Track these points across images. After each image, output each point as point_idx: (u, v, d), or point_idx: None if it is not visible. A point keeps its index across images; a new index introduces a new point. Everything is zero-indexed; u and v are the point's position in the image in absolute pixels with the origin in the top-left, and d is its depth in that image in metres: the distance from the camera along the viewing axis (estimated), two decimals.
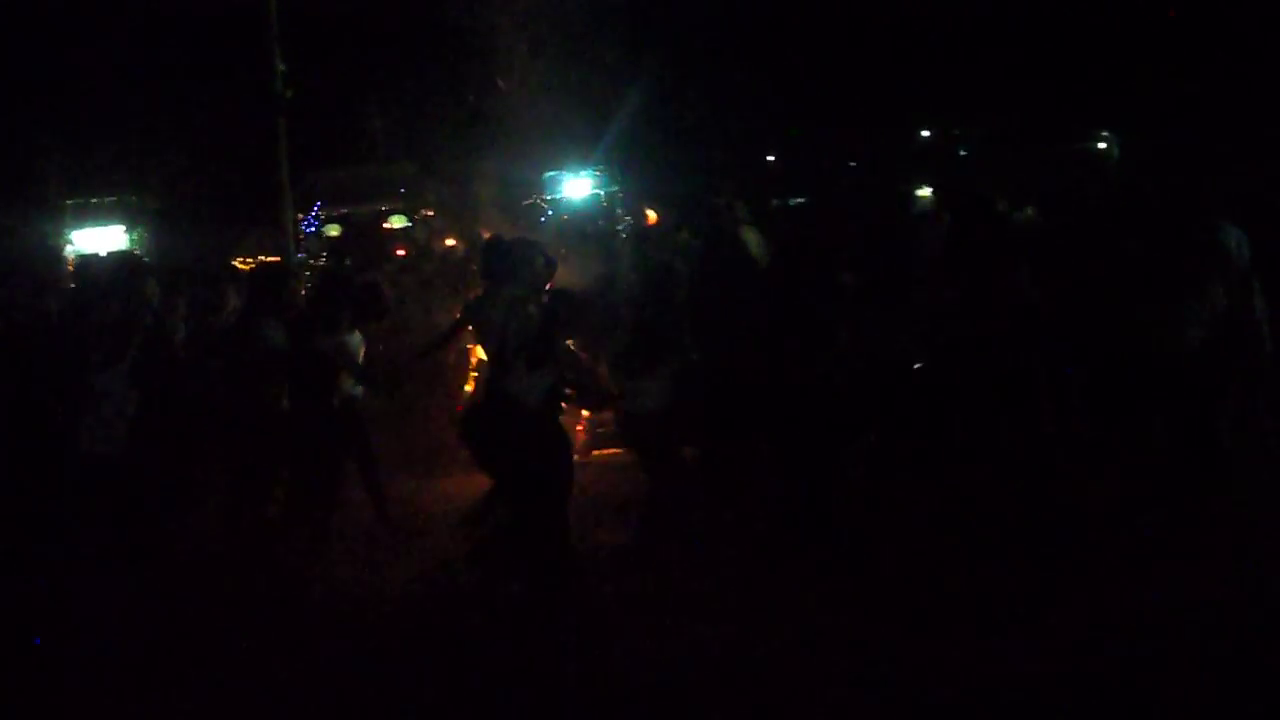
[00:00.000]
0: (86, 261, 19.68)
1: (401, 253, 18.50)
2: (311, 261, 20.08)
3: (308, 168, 23.05)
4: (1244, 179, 10.58)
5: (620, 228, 20.72)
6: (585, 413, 11.53)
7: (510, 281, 8.72)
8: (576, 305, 8.28)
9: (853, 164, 35.01)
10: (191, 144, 23.63)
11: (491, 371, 8.64)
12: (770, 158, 34.26)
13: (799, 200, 31.55)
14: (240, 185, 22.96)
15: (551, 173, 22.00)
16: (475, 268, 11.57)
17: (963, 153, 34.95)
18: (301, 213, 21.67)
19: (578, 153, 23.14)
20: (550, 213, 21.36)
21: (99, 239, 22.68)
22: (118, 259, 12.52)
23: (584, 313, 8.29)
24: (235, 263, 18.26)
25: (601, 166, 23.52)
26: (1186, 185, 8.73)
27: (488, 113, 21.52)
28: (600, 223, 20.92)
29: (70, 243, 22.62)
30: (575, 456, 8.91)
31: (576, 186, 22.09)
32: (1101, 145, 25.90)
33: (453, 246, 17.25)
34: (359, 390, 9.66)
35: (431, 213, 20.85)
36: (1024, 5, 26.50)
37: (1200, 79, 23.34)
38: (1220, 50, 23.08)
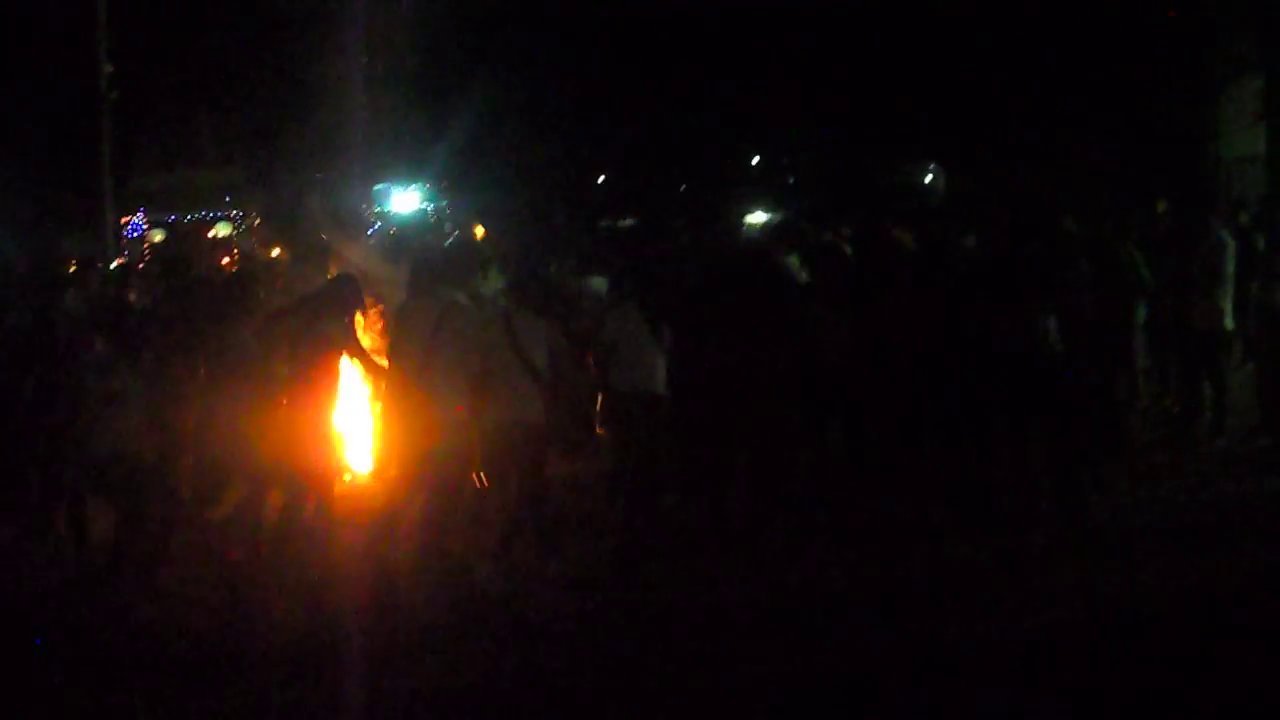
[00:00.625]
0: None
1: (226, 261, 18.46)
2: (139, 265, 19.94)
3: (135, 172, 22.84)
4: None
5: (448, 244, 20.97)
6: None
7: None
8: None
9: (683, 188, 35.71)
10: (13, 145, 23.16)
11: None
12: (600, 178, 34.71)
13: (628, 222, 32.21)
14: (62, 187, 22.56)
15: (380, 185, 22.26)
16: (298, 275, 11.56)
17: (791, 180, 35.97)
18: (126, 216, 21.49)
19: (408, 166, 23.42)
20: (378, 225, 21.54)
21: None
22: None
23: None
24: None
25: (430, 181, 23.81)
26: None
27: (320, 122, 21.64)
28: (428, 237, 21.15)
29: None
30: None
31: (405, 200, 22.36)
32: (928, 177, 27.20)
33: (279, 256, 17.33)
34: None
35: (259, 220, 20.87)
36: (854, 40, 27.41)
37: (1016, 119, 24.59)
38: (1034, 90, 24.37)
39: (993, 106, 25.40)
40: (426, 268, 8.47)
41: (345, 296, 8.09)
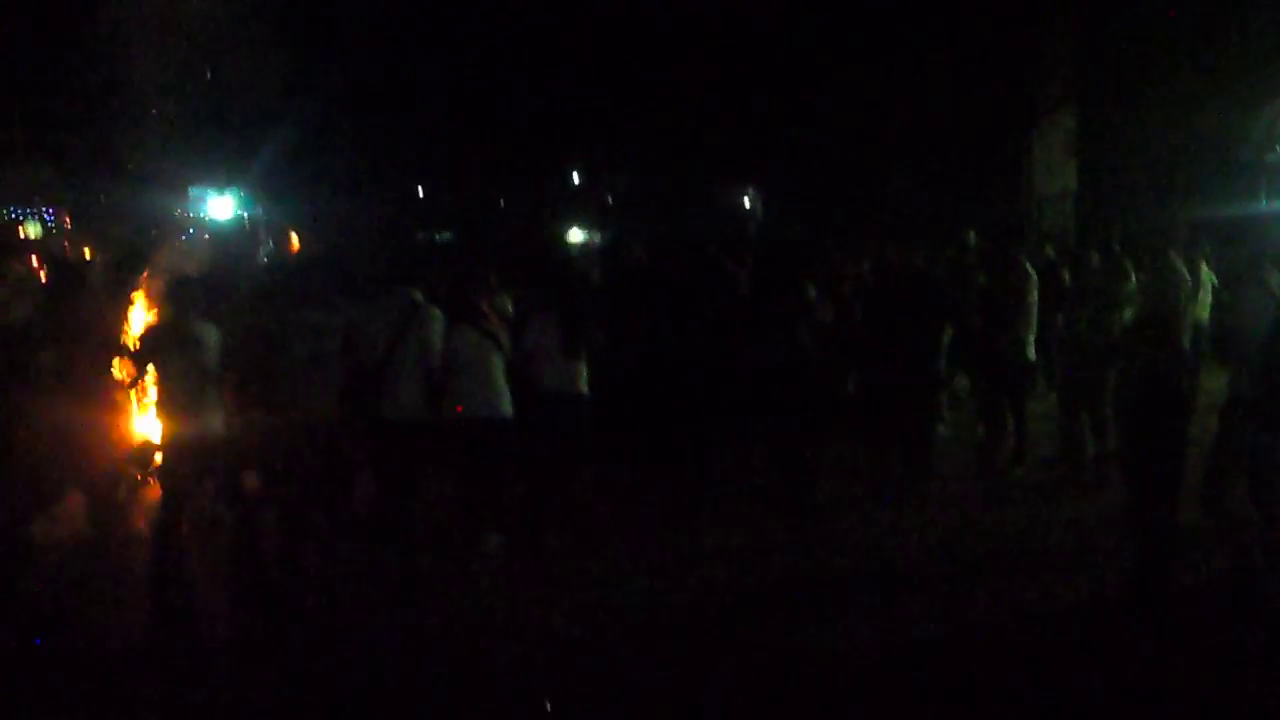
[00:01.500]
0: None
1: (35, 262, 18.12)
2: None
3: None
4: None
5: (261, 250, 20.93)
6: None
7: None
8: None
9: (501, 203, 36.13)
10: None
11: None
12: (419, 191, 34.85)
13: (445, 235, 32.48)
14: None
15: (196, 188, 22.08)
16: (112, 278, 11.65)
17: (610, 200, 36.72)
18: None
19: (224, 171, 23.27)
20: (191, 231, 21.38)
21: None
22: None
23: None
24: None
25: (246, 187, 23.69)
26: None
27: (135, 120, 21.42)
28: (243, 244, 21.05)
29: None
30: None
31: (219, 205, 22.21)
32: (746, 200, 28.20)
33: (90, 258, 17.14)
34: None
35: (70, 223, 20.56)
36: (678, 62, 27.99)
37: (839, 147, 25.63)
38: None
39: (816, 133, 26.43)
40: None
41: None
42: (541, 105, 31.69)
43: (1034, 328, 9.81)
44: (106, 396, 7.98)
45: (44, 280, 9.84)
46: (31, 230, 21.10)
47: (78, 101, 22.75)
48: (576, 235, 31.15)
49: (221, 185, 22.62)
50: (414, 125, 29.92)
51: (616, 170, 36.64)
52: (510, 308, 9.05)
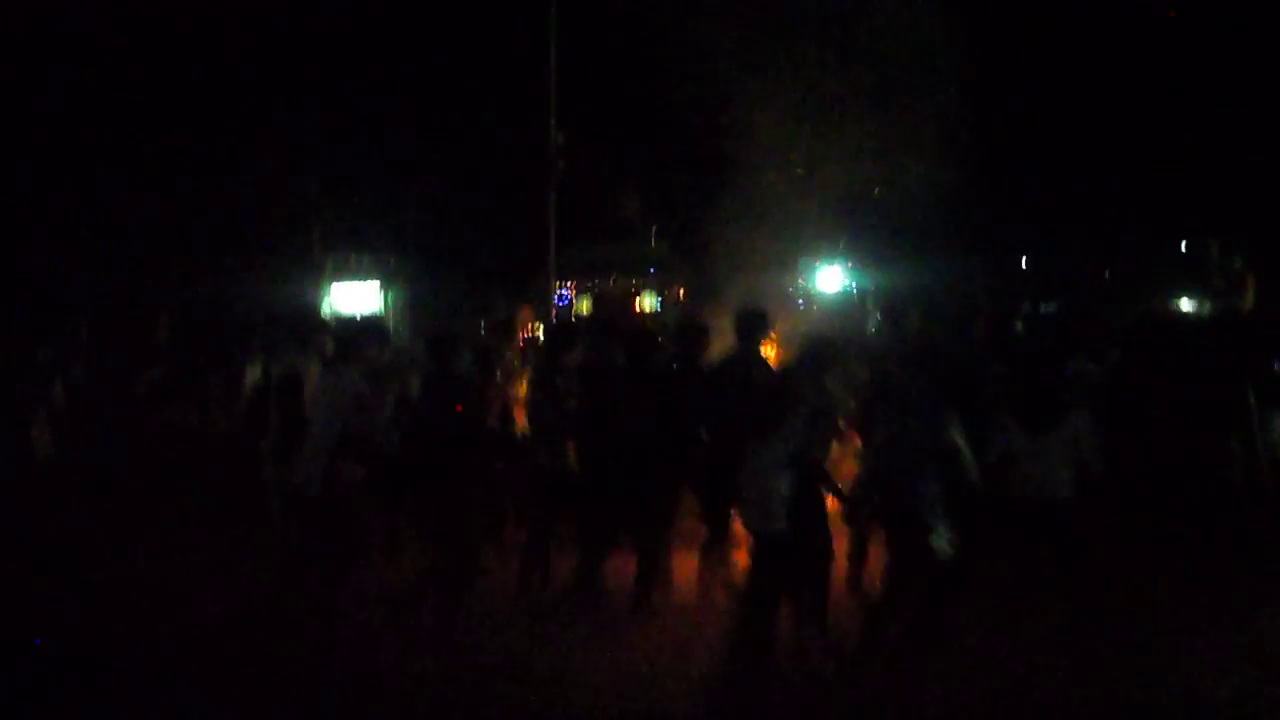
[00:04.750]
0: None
1: None
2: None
3: (560, 241, 23.18)
4: None
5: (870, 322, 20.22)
6: None
7: None
8: None
9: (1107, 272, 33.71)
10: (451, 207, 23.99)
11: None
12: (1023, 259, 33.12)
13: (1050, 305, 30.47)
14: (496, 252, 23.18)
15: (805, 259, 21.62)
16: None
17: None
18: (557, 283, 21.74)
19: (828, 242, 22.77)
20: (802, 302, 20.93)
21: (354, 295, 23.30)
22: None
23: None
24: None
25: (851, 258, 23.08)
26: None
27: (750, 193, 21.26)
28: (850, 318, 20.45)
29: (326, 298, 23.27)
30: None
31: (828, 277, 21.68)
32: None
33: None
34: None
35: (684, 298, 20.71)
36: None
37: None
38: None
39: None
40: None
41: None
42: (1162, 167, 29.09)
43: None
44: None
45: None
46: (647, 301, 21.50)
47: (692, 176, 22.99)
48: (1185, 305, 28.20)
49: (829, 256, 22.07)
50: (1022, 191, 28.26)
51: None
52: None
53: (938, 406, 7.95)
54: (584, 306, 21.85)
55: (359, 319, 21.08)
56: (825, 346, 8.57)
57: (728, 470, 8.41)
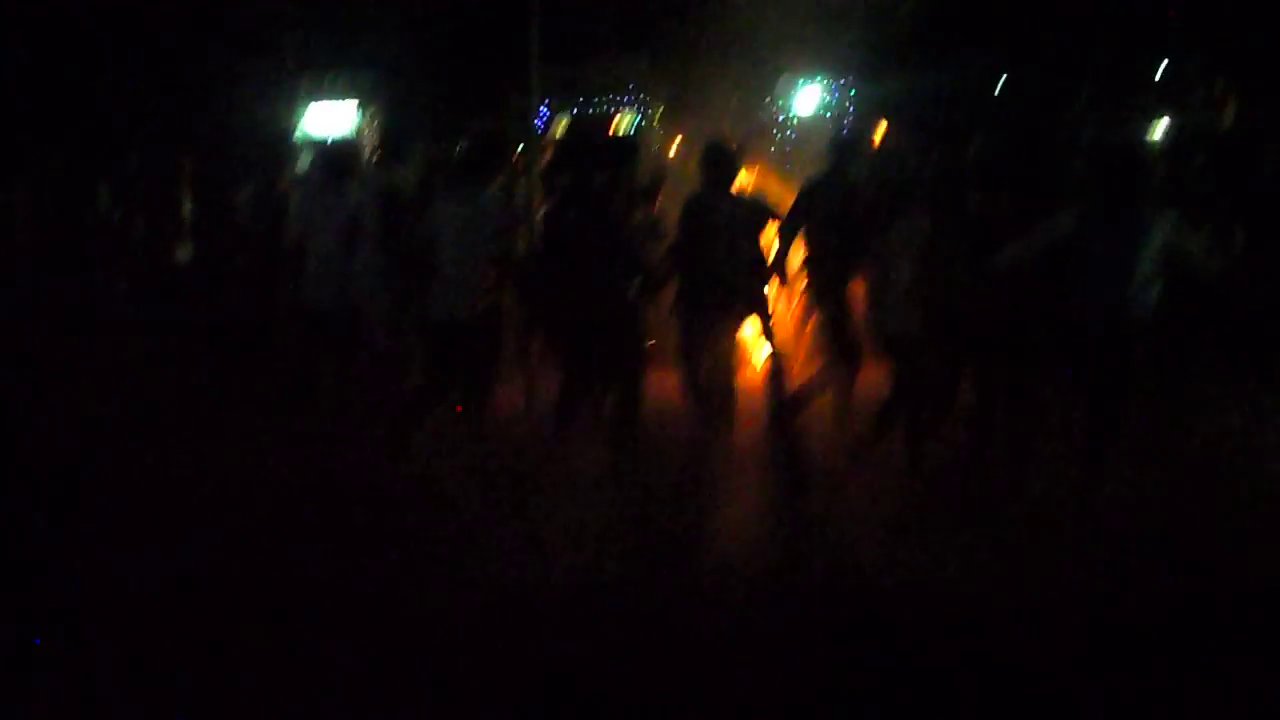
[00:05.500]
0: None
1: None
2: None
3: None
4: None
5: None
6: None
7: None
8: None
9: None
10: (429, 21, 23.47)
11: None
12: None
13: None
14: (473, 71, 22.76)
15: (784, 77, 21.36)
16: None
17: None
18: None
19: (809, 57, 22.40)
20: (781, 118, 20.81)
21: (329, 118, 23.00)
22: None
23: None
24: None
25: (833, 75, 22.79)
26: None
27: (719, 11, 20.86)
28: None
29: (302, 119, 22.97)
30: None
31: (809, 93, 21.50)
32: None
33: (678, 148, 16.98)
34: None
35: (660, 112, 20.53)
36: None
37: None
38: None
39: None
40: None
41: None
42: None
43: None
44: None
45: None
46: (626, 121, 21.31)
47: None
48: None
49: (807, 74, 21.81)
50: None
51: None
52: None
53: None
54: (559, 128, 21.65)
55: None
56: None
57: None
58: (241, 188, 11.23)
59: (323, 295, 9.19)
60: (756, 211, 9.27)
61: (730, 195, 9.21)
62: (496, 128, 18.47)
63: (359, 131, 21.60)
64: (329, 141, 17.14)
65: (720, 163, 9.19)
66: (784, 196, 11.07)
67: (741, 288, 8.88)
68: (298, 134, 20.26)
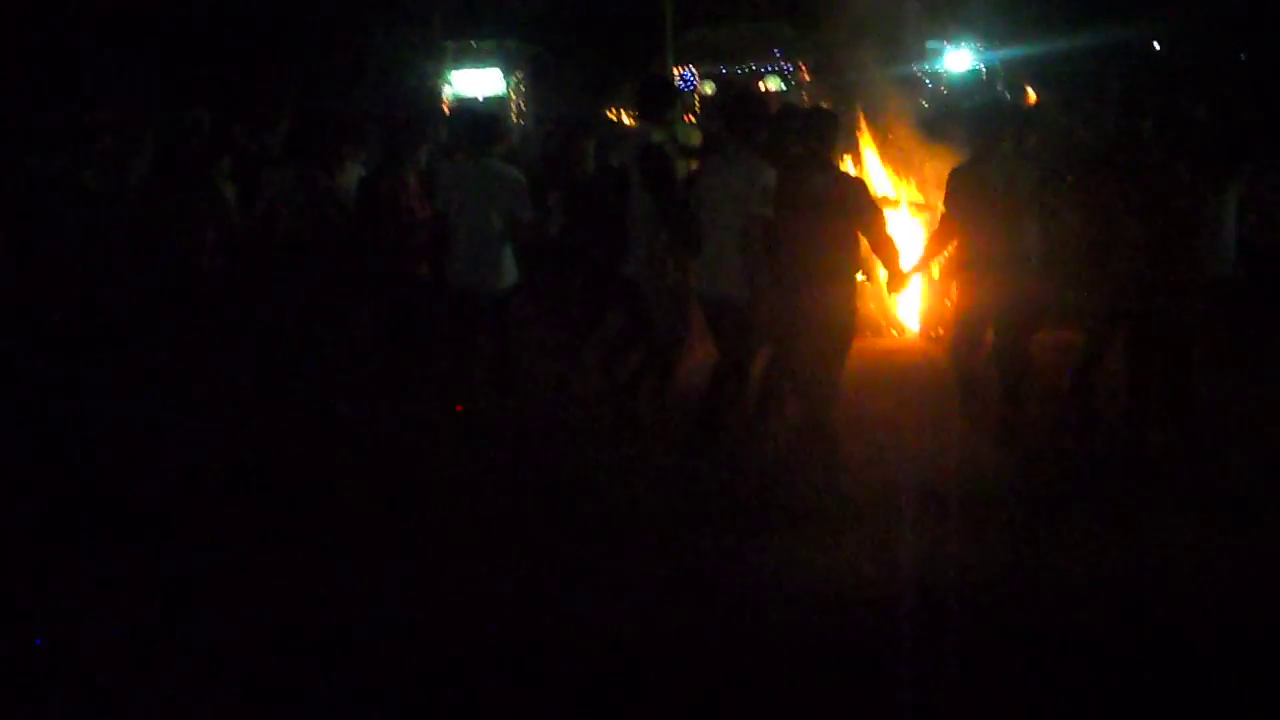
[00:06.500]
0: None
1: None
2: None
3: (681, 25, 22.79)
4: None
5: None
6: None
7: None
8: None
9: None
10: None
11: None
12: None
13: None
14: (618, 36, 22.89)
15: (934, 42, 21.10)
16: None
17: None
18: (678, 68, 21.52)
19: (959, 21, 22.11)
20: (929, 84, 20.55)
21: (477, 82, 23.31)
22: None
23: None
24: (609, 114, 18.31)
25: (982, 40, 22.47)
26: None
27: None
28: (976, 99, 20.00)
29: (449, 84, 23.30)
30: None
31: (957, 59, 21.22)
32: None
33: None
34: None
35: (809, 77, 20.41)
36: None
37: None
38: None
39: None
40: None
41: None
42: None
43: None
44: None
45: None
46: (772, 84, 21.25)
47: None
48: None
49: (958, 38, 21.53)
50: None
51: None
52: None
53: None
54: (708, 89, 21.68)
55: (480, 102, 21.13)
56: None
57: None
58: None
59: (475, 277, 8.65)
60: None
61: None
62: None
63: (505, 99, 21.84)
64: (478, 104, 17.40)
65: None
66: (927, 167, 10.88)
67: None
68: (448, 96, 20.52)
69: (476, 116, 10.74)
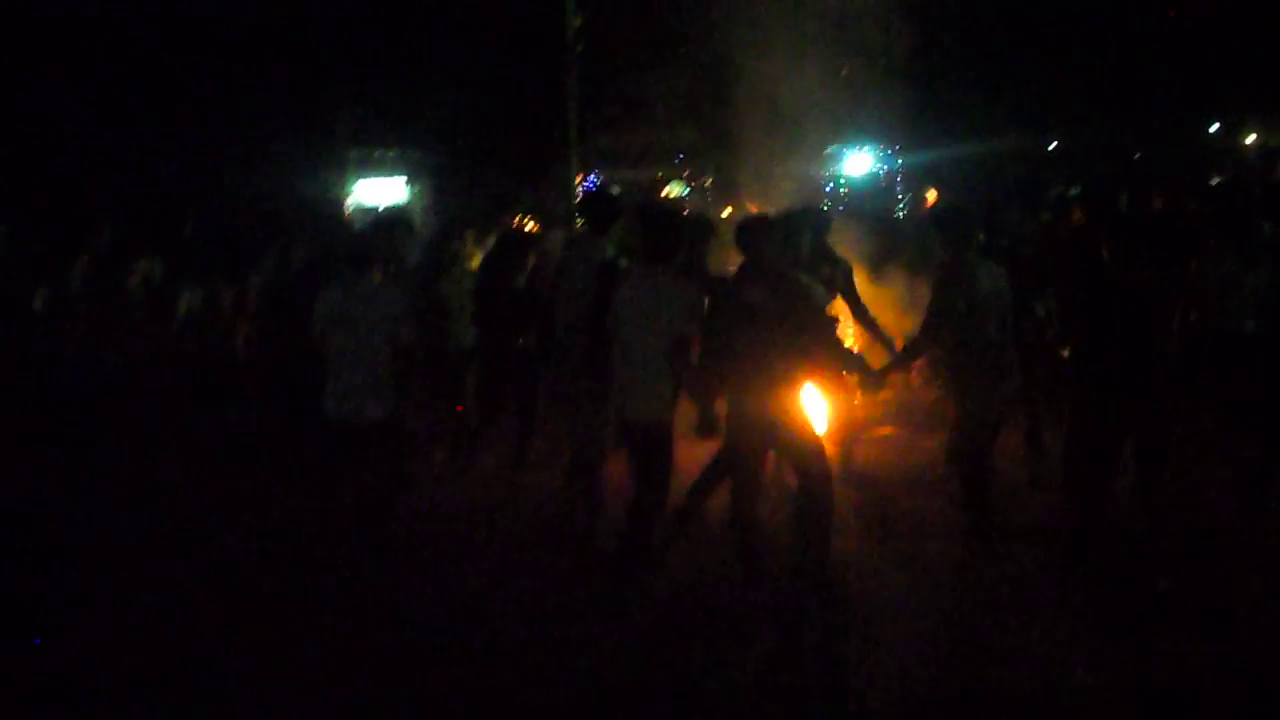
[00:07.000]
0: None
1: None
2: None
3: (584, 131, 22.85)
4: None
5: (900, 208, 20.07)
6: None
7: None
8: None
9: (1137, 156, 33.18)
10: (476, 98, 23.63)
11: None
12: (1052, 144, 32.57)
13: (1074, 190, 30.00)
14: (521, 143, 22.89)
15: (833, 147, 21.37)
16: None
17: None
18: (580, 173, 21.53)
19: (860, 128, 22.43)
20: (830, 188, 20.77)
21: (379, 190, 23.16)
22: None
23: None
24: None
25: (883, 142, 22.80)
26: None
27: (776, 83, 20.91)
28: (878, 201, 20.29)
29: (350, 194, 23.14)
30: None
31: (857, 162, 21.49)
32: None
33: (729, 218, 16.86)
34: None
35: (710, 181, 20.52)
36: None
37: None
38: None
39: None
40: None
41: None
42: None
43: None
44: None
45: None
46: (675, 190, 21.33)
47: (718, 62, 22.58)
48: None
49: (857, 142, 21.80)
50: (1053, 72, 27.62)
51: None
52: None
53: None
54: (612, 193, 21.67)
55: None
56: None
57: None
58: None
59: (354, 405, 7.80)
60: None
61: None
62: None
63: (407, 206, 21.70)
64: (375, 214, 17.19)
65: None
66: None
67: None
68: (349, 205, 20.36)
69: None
